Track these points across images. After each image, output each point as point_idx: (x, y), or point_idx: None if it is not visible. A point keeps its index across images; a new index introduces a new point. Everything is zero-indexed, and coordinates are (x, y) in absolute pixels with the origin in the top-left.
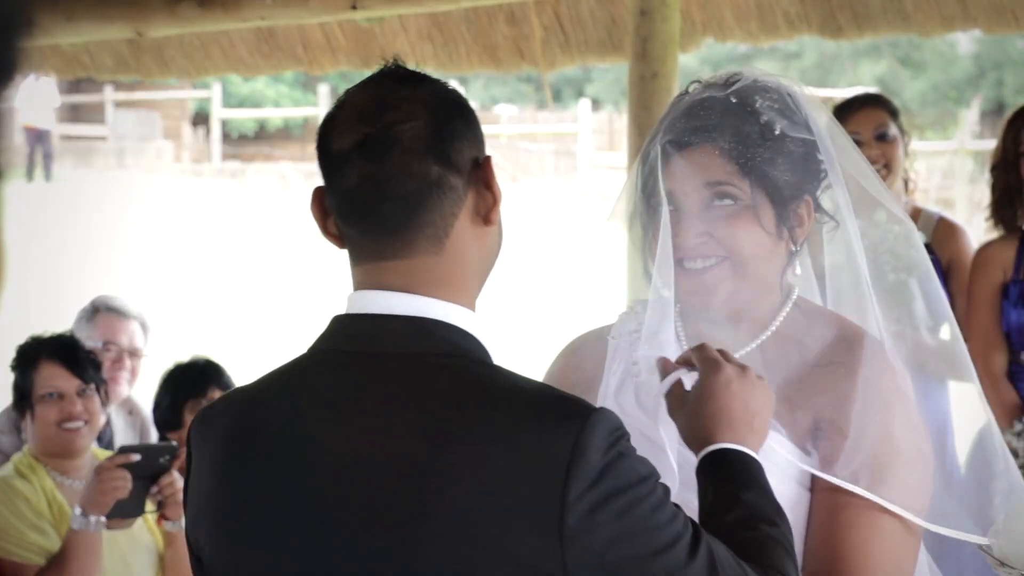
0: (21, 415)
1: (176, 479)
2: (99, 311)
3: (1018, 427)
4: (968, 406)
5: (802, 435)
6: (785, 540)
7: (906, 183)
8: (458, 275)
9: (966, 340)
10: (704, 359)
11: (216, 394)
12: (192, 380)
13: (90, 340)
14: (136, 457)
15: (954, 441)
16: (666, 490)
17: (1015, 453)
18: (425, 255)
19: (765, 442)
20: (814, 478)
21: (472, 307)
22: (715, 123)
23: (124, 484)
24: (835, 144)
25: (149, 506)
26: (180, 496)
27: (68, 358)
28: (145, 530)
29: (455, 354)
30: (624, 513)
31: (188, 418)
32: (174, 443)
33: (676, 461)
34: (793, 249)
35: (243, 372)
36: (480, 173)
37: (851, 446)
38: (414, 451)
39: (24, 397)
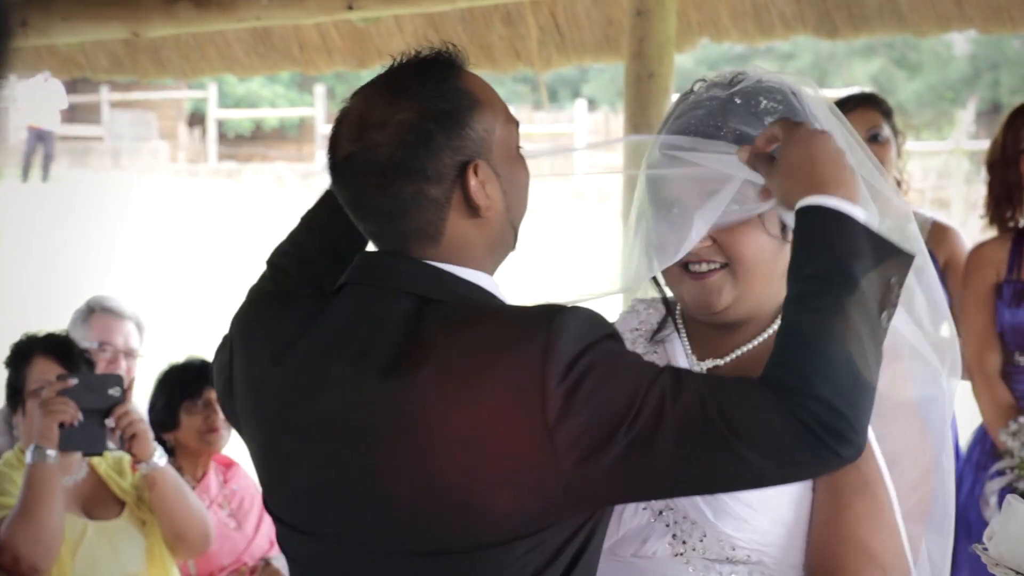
0: (14, 411)
1: (132, 411)
2: (94, 311)
3: (1013, 427)
4: (968, 405)
5: None
6: (840, 310)
7: (898, 184)
8: (461, 258)
9: (960, 340)
10: (784, 124)
11: (212, 395)
12: (187, 381)
13: (85, 340)
14: (73, 381)
15: (957, 439)
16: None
17: (1010, 453)
18: (421, 250)
19: None
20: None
21: (488, 272)
22: (718, 125)
23: (66, 409)
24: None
25: (112, 445)
26: (144, 431)
27: (61, 354)
28: (132, 520)
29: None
30: (594, 393)
31: (183, 419)
32: (120, 374)
33: None
34: None
35: None
36: (464, 178)
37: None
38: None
39: (17, 393)
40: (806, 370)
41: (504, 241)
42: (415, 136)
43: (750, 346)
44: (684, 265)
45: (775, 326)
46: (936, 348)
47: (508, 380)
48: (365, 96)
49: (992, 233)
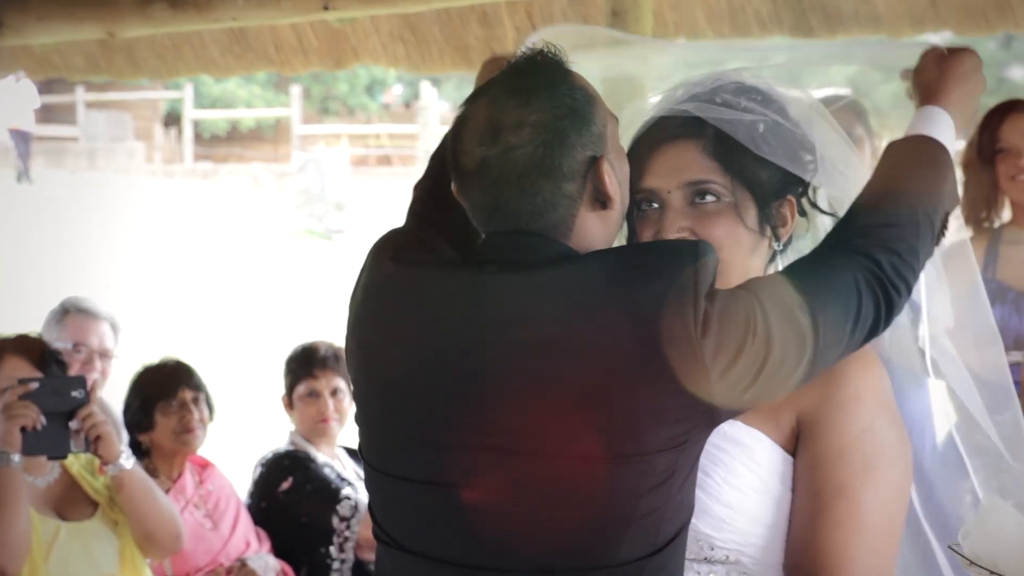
0: None
1: (96, 413)
2: (69, 312)
3: None
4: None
5: (785, 435)
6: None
7: None
8: (587, 250)
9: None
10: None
11: (187, 395)
12: (162, 381)
13: (60, 341)
14: (34, 385)
15: (935, 440)
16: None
17: (988, 451)
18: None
19: (749, 441)
20: (795, 477)
21: None
22: (697, 121)
23: (27, 413)
24: (822, 141)
25: (77, 448)
26: (109, 432)
27: (32, 354)
28: (106, 521)
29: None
30: (724, 313)
31: (158, 419)
32: (83, 375)
33: None
34: (776, 248)
35: (214, 373)
36: (595, 171)
37: (832, 445)
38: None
39: None
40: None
41: (615, 233)
42: (552, 135)
43: None
44: None
45: None
46: (916, 347)
47: (666, 298)
48: (491, 99)
49: (967, 234)
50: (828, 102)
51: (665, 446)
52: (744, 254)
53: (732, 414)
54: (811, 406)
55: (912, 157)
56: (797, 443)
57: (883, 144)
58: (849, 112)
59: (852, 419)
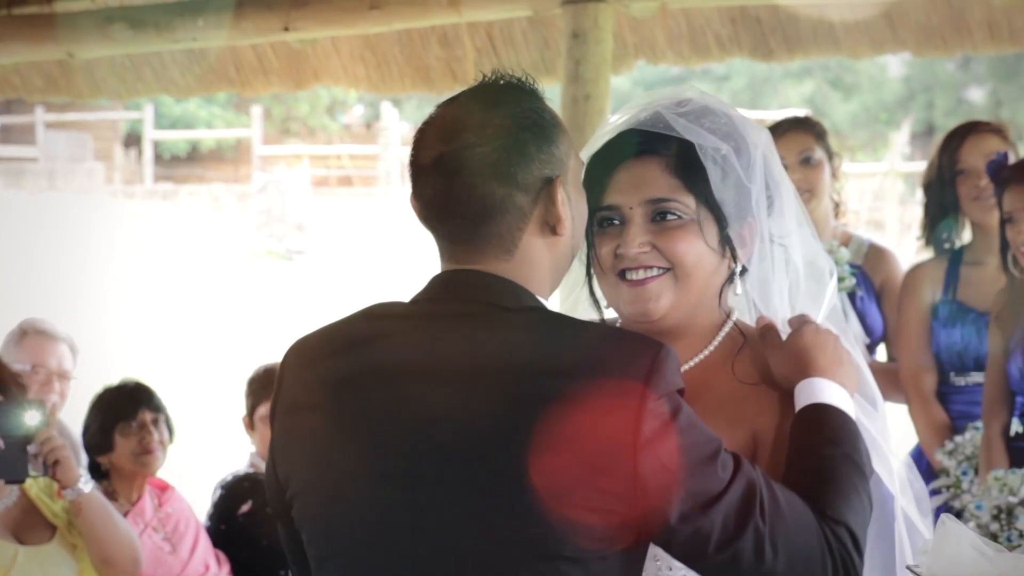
0: None
1: (55, 437)
2: (27, 334)
3: (948, 446)
4: (904, 425)
5: (741, 452)
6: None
7: (836, 206)
8: (528, 276)
9: (896, 360)
10: (797, 319)
11: (147, 416)
12: (122, 403)
13: (18, 363)
14: None
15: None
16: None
17: (945, 472)
18: (495, 260)
19: None
20: None
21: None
22: (662, 139)
23: None
24: (775, 171)
25: (35, 472)
26: (68, 456)
27: None
28: (64, 544)
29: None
30: (685, 431)
31: (118, 441)
32: (41, 399)
33: None
34: (734, 268)
35: (174, 394)
36: (549, 191)
37: (780, 464)
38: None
39: None
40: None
41: (563, 266)
42: (511, 141)
43: (686, 367)
44: (620, 273)
45: (709, 349)
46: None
47: (607, 389)
48: (459, 103)
49: (928, 254)
50: (787, 124)
51: (583, 550)
52: (705, 272)
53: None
54: (767, 424)
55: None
56: (753, 460)
57: (842, 165)
58: (808, 133)
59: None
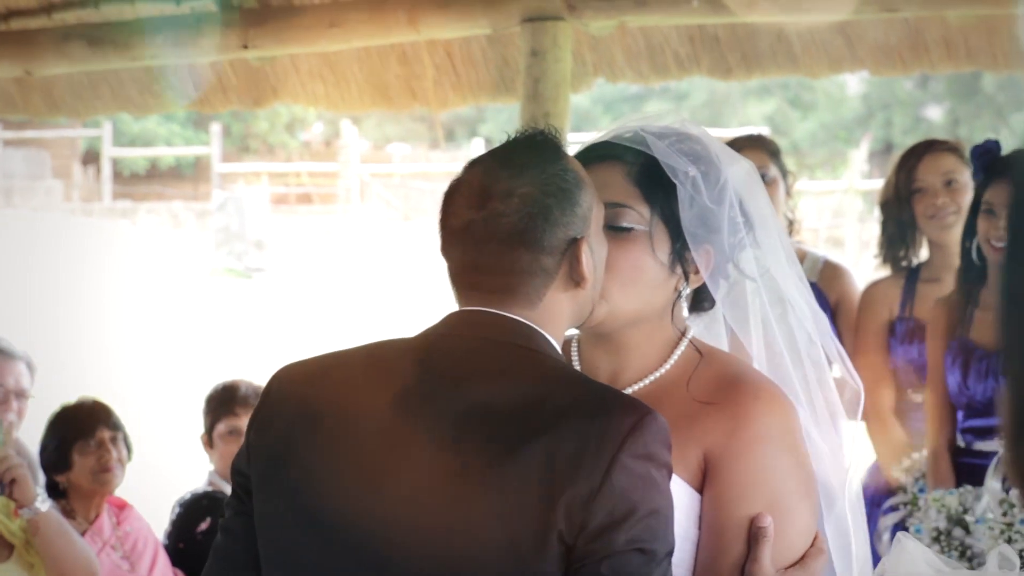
0: None
1: (11, 456)
2: None
3: (906, 463)
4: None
5: (692, 472)
6: None
7: (791, 223)
8: (548, 323)
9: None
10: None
11: (105, 435)
12: (80, 421)
13: None
14: None
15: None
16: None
17: (903, 489)
18: (520, 309)
19: None
20: (701, 515)
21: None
22: (627, 149)
23: None
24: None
25: None
26: (24, 476)
27: None
28: (21, 563)
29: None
30: (647, 501)
31: (76, 460)
32: None
33: None
34: (682, 290)
35: (132, 412)
36: (574, 251)
37: (736, 483)
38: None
39: None
40: None
41: (584, 312)
42: (537, 209)
43: (640, 385)
44: None
45: (664, 368)
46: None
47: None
48: (485, 168)
49: (885, 272)
50: (741, 142)
51: None
52: (648, 286)
53: None
54: (717, 444)
55: None
56: (704, 480)
57: (795, 182)
58: (762, 151)
59: (757, 458)
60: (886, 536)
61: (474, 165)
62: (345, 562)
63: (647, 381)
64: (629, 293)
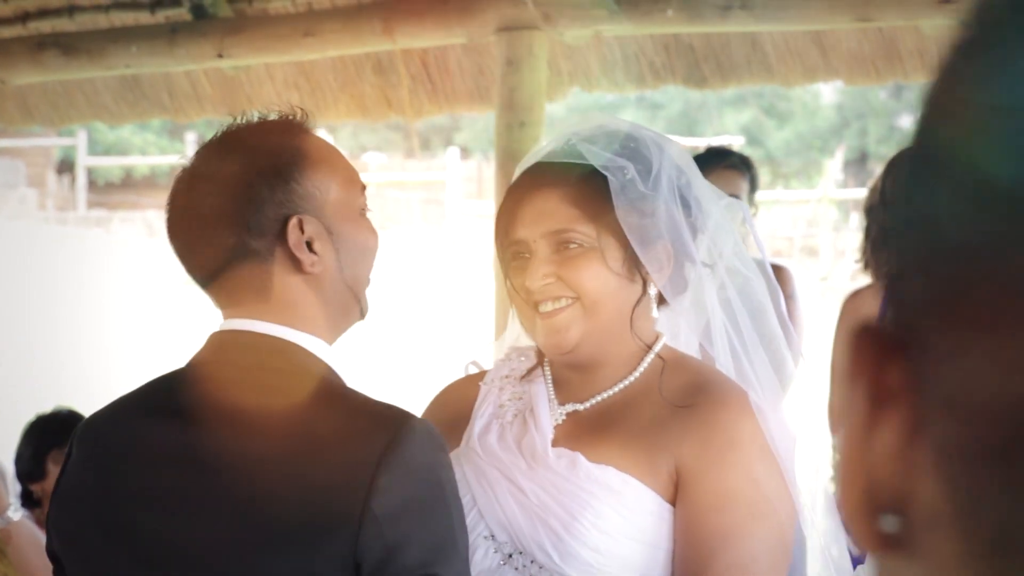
0: None
1: None
2: None
3: None
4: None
5: (662, 482)
6: None
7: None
8: (297, 318)
9: (831, 387)
10: None
11: None
12: (55, 430)
13: None
14: None
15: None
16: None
17: None
18: (253, 303)
19: (619, 486)
20: (676, 527)
21: (325, 338)
22: (564, 170)
23: None
24: (696, 196)
25: None
26: None
27: None
28: None
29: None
30: (422, 522)
31: (51, 468)
32: None
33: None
34: (647, 292)
35: None
36: (287, 230)
37: (712, 493)
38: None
39: None
40: None
41: (341, 304)
42: (240, 188)
43: (608, 393)
44: (535, 306)
45: (633, 377)
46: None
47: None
48: (206, 151)
49: (858, 281)
50: (718, 158)
51: None
52: (611, 296)
53: None
54: (690, 453)
55: None
56: (676, 491)
57: (772, 193)
58: (735, 171)
59: (732, 466)
60: (855, 549)
61: (201, 149)
62: None
63: (615, 390)
64: (597, 312)
